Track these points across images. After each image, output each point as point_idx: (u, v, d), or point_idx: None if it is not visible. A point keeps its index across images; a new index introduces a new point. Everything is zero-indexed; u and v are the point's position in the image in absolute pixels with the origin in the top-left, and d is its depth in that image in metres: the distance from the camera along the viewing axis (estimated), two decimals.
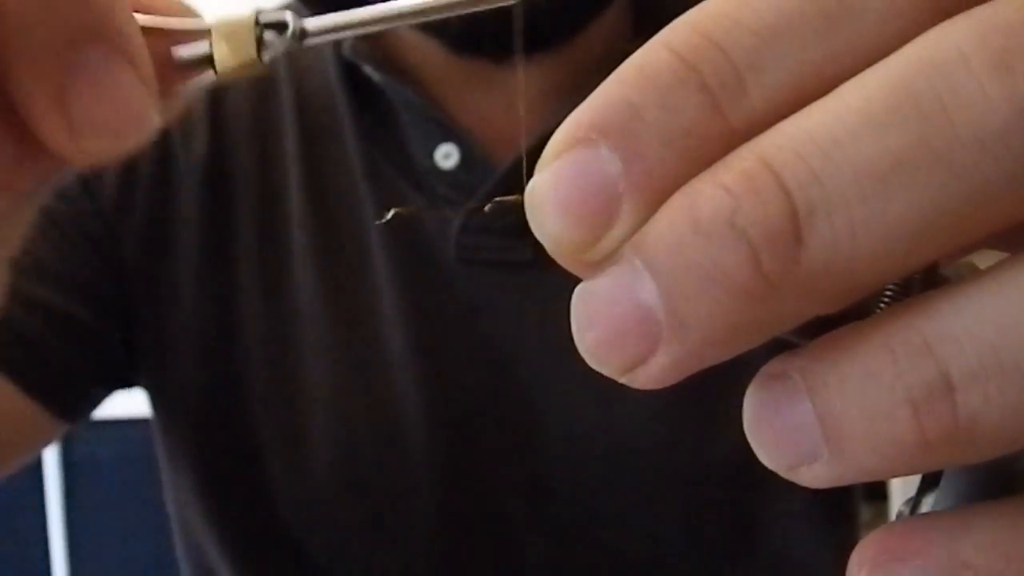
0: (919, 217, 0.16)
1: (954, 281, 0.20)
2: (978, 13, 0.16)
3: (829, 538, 0.66)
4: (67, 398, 0.61)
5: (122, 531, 1.64)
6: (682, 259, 0.16)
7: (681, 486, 0.62)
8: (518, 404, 0.62)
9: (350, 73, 0.64)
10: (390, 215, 0.23)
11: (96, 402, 0.64)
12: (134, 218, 0.62)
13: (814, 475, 0.17)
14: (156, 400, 0.66)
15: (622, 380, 0.17)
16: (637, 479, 0.62)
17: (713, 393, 0.58)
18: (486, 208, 0.21)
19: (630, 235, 0.17)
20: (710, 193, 0.16)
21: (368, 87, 0.63)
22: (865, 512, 0.72)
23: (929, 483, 0.25)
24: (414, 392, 0.61)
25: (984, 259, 0.27)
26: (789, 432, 0.17)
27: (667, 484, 0.62)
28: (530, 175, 0.18)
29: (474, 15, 0.67)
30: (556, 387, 0.61)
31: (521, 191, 0.18)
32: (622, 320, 0.16)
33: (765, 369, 0.17)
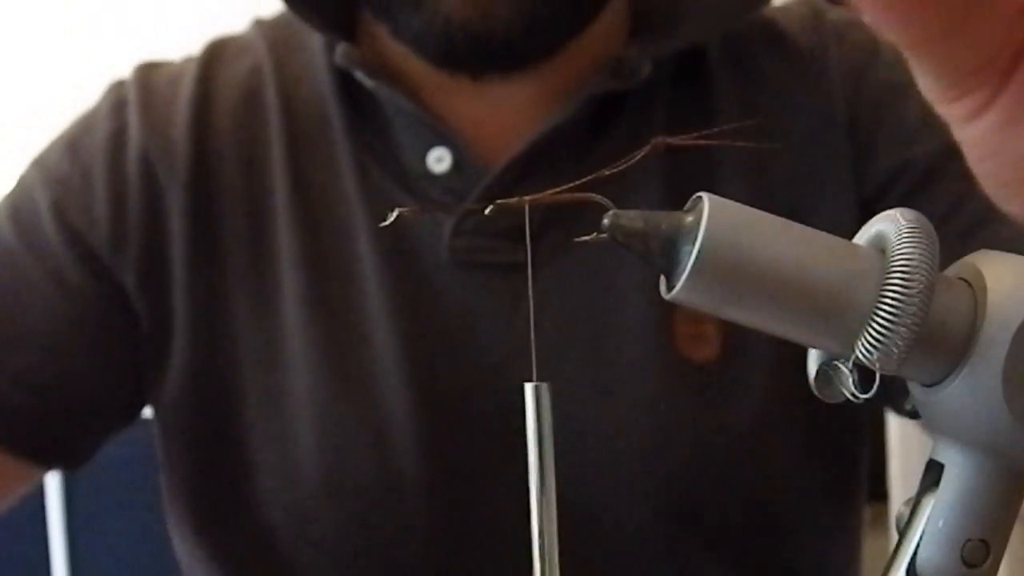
0: None
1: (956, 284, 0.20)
2: None
3: (829, 541, 0.66)
4: (69, 452, 0.64)
5: (122, 531, 1.64)
6: None
7: (676, 484, 0.62)
8: (510, 407, 0.61)
9: (342, 80, 0.63)
10: (393, 216, 0.23)
11: (105, 439, 0.66)
12: (129, 249, 0.62)
13: None
14: (156, 416, 0.66)
15: None
16: (631, 477, 0.62)
17: (708, 390, 0.58)
18: (487, 211, 0.21)
19: None
20: None
21: (360, 93, 0.63)
22: (865, 513, 0.72)
23: (929, 484, 0.25)
24: (404, 398, 0.61)
25: (985, 259, 0.27)
26: None
27: (662, 481, 0.62)
28: (521, 179, 0.17)
29: (448, 31, 0.67)
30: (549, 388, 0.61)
31: (516, 193, 0.18)
32: None
33: None
